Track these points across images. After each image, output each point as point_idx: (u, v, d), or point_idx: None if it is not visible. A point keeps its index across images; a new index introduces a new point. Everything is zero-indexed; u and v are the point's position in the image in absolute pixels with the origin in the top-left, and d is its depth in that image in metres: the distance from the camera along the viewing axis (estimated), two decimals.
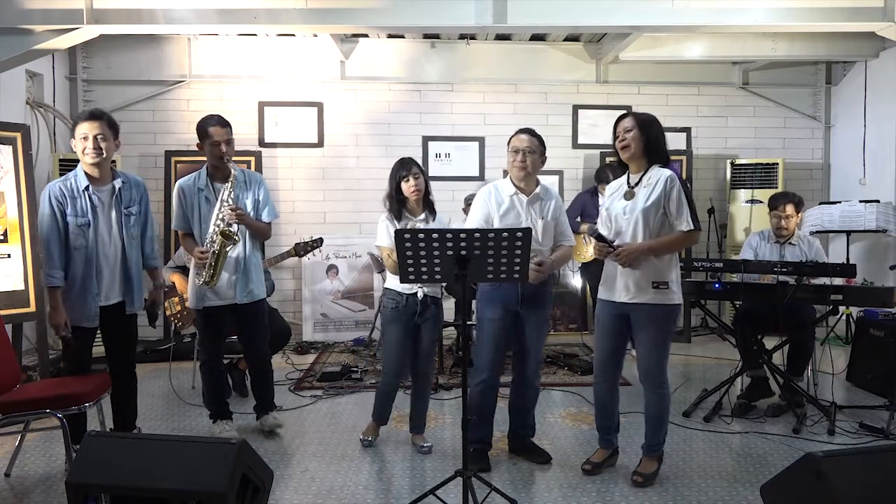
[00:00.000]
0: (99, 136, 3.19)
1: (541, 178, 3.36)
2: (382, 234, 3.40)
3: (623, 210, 3.08)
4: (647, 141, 3.02)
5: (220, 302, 3.60)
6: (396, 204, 3.39)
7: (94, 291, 3.24)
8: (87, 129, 3.18)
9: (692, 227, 2.97)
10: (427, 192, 3.46)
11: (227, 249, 3.50)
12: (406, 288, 3.36)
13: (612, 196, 3.19)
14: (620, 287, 3.06)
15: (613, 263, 3.06)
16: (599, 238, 3.03)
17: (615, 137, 3.11)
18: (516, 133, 3.30)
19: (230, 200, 3.48)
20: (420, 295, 3.39)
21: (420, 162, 6.34)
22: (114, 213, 3.30)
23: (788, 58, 6.30)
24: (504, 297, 3.23)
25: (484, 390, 3.28)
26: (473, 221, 3.26)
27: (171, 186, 5.87)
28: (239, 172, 3.58)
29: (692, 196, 3.05)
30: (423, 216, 3.42)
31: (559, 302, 6.44)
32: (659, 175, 3.01)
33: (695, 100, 6.80)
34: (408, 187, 3.35)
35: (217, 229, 3.46)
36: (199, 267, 3.49)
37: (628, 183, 3.12)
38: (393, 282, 3.41)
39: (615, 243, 3.02)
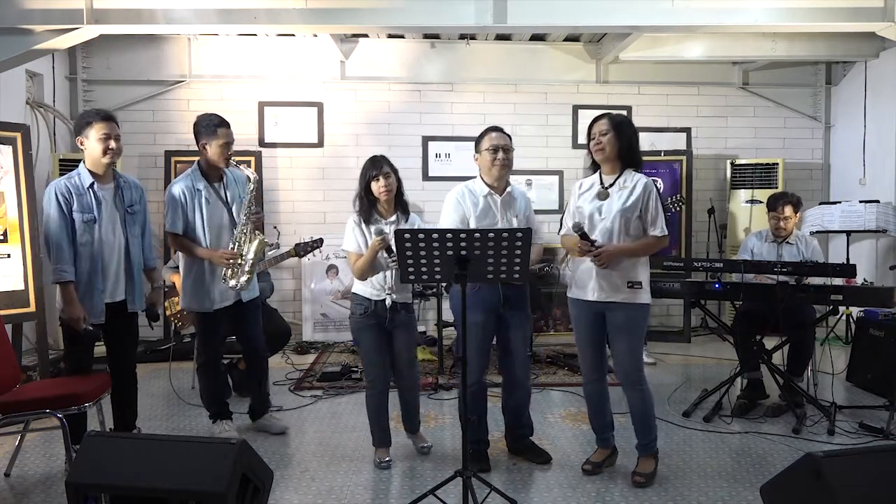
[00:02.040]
0: (119, 136, 3.28)
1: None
2: (349, 238, 3.25)
3: (598, 210, 3.08)
4: (621, 144, 3.04)
5: (222, 304, 3.62)
6: (367, 205, 3.25)
7: (100, 288, 3.26)
8: (107, 128, 3.23)
9: (665, 233, 3.04)
10: (399, 192, 3.32)
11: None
12: (374, 294, 3.25)
13: (583, 194, 3.17)
14: (593, 286, 3.06)
15: (588, 262, 3.05)
16: (583, 236, 3.01)
17: (590, 139, 3.12)
18: (487, 132, 3.29)
19: (250, 205, 3.57)
20: (388, 302, 3.25)
21: (420, 162, 6.53)
22: (117, 211, 3.32)
23: (788, 58, 6.30)
24: (485, 300, 3.19)
25: (472, 394, 3.23)
26: (449, 224, 3.18)
27: None
28: (233, 170, 3.66)
29: (664, 202, 3.13)
30: (394, 217, 3.28)
31: (559, 302, 6.44)
32: (636, 179, 3.05)
33: (695, 100, 6.79)
34: (377, 187, 3.22)
35: (253, 236, 3.54)
36: (232, 269, 3.51)
37: (601, 183, 3.12)
38: (360, 286, 3.28)
39: (597, 243, 3.02)
